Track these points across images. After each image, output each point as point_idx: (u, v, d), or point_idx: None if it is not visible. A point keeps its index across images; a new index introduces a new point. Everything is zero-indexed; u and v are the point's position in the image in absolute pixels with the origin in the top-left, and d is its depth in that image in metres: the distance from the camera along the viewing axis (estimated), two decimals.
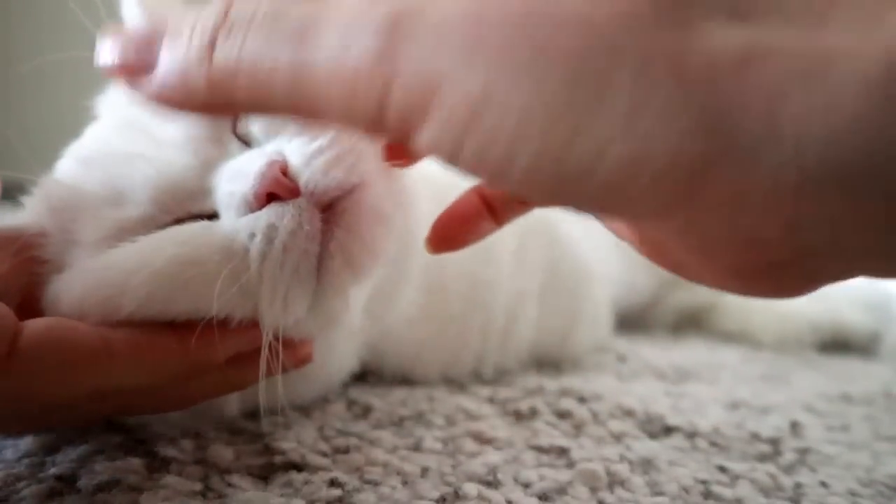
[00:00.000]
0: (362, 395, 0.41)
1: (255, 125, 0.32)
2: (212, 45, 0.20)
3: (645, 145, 0.16)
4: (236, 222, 0.28)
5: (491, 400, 0.43)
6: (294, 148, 0.29)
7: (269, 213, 0.28)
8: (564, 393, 0.45)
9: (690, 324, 0.79)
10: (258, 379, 0.29)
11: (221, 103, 0.20)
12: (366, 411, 0.39)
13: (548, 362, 0.55)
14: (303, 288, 0.29)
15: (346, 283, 0.30)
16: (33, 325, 0.25)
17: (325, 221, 0.28)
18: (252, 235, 0.28)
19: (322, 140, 0.29)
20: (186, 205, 0.30)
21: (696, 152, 0.16)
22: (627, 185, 0.16)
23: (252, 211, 0.28)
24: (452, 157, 0.18)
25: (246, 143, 0.32)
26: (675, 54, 0.16)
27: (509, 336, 0.50)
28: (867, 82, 0.15)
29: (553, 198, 0.18)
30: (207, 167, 0.30)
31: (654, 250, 0.24)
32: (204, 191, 0.30)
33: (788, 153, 0.15)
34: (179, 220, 0.30)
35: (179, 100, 0.20)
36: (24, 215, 0.33)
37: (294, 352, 0.31)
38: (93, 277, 0.29)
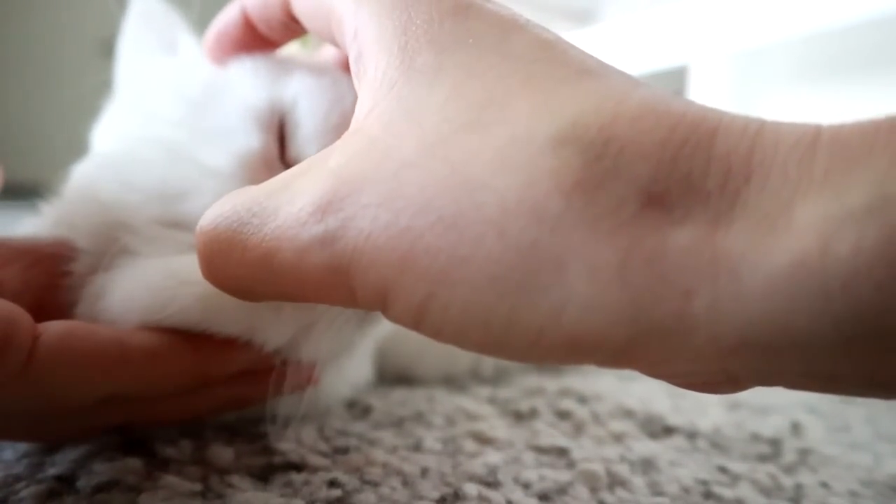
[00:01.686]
0: (362, 395, 0.41)
1: (302, 153, 0.32)
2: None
3: (574, 332, 0.18)
4: None
5: (491, 400, 0.43)
6: None
7: None
8: (564, 393, 0.45)
9: None
10: (264, 398, 0.30)
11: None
12: (366, 411, 0.39)
13: (545, 365, 0.55)
14: (356, 324, 0.30)
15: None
16: (52, 329, 0.25)
17: None
18: None
19: None
20: None
21: (621, 336, 0.17)
22: (566, 357, 0.19)
23: None
24: (415, 330, 0.20)
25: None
26: (587, 252, 0.17)
27: None
28: (774, 285, 0.16)
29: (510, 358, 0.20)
30: None
31: None
32: None
33: (703, 339, 0.17)
34: None
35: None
36: (43, 223, 0.32)
37: (302, 373, 0.31)
38: (148, 277, 0.28)
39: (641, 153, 0.18)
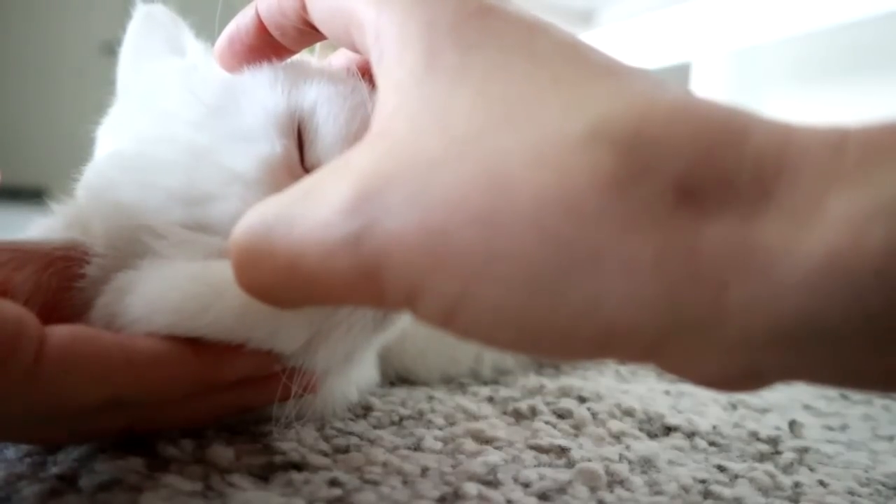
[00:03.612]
0: (363, 394, 0.41)
1: (322, 159, 0.32)
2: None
3: (608, 327, 0.18)
4: None
5: (491, 400, 0.44)
6: None
7: None
8: (564, 393, 0.45)
9: None
10: (270, 402, 0.31)
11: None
12: (366, 411, 0.39)
13: (546, 362, 0.55)
14: (368, 334, 0.31)
15: (406, 322, 0.32)
16: (58, 332, 0.25)
17: None
18: None
19: None
20: None
21: (655, 329, 0.18)
22: (597, 352, 0.19)
23: None
24: (444, 329, 0.20)
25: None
26: (623, 246, 0.17)
27: None
28: (807, 278, 0.16)
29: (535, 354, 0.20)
30: None
31: None
32: None
33: (736, 332, 0.17)
34: None
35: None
36: (55, 224, 0.32)
37: (304, 380, 0.31)
38: (179, 283, 0.29)
39: (675, 149, 0.18)
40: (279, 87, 0.33)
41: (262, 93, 0.33)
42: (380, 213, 0.19)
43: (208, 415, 0.31)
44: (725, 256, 0.17)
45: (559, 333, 0.18)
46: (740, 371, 0.18)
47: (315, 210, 0.21)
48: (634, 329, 0.18)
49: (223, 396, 0.30)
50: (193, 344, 0.28)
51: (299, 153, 0.32)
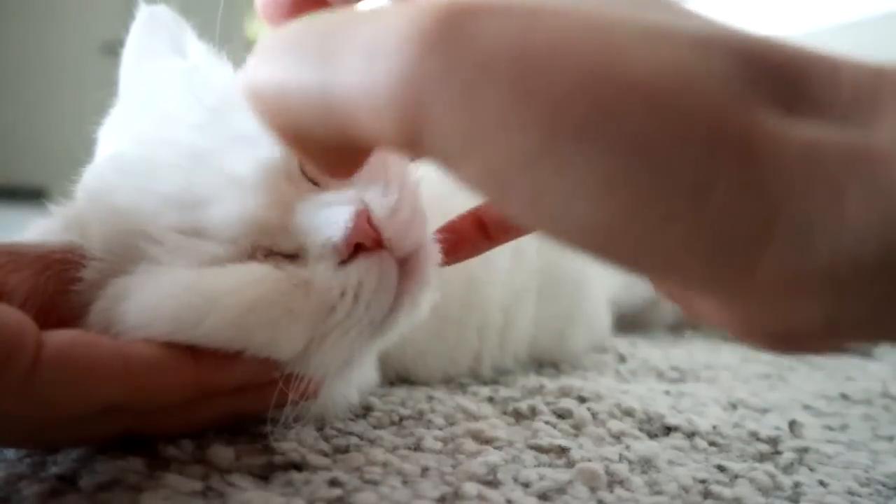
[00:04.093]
0: (362, 394, 0.41)
1: None
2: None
3: (708, 222, 0.16)
4: (330, 280, 0.30)
5: (491, 400, 0.44)
6: (373, 198, 0.30)
7: (358, 269, 0.30)
8: (564, 393, 0.45)
9: (690, 324, 0.79)
10: (266, 408, 0.31)
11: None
12: (366, 411, 0.39)
13: (546, 362, 0.55)
14: (365, 338, 0.31)
15: (405, 327, 0.33)
16: (56, 337, 0.25)
17: (399, 274, 0.31)
18: (343, 294, 0.30)
19: (397, 194, 0.31)
20: (266, 242, 0.31)
21: (756, 231, 0.16)
22: (681, 260, 0.16)
23: (341, 258, 0.30)
24: (496, 199, 0.17)
25: (314, 182, 0.32)
26: (743, 136, 0.16)
27: (507, 335, 0.50)
28: None
29: (593, 254, 0.17)
30: (285, 207, 0.31)
31: (674, 295, 0.23)
32: (285, 229, 0.31)
33: (848, 243, 0.16)
34: (261, 255, 0.31)
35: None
36: (53, 226, 0.32)
37: (305, 385, 0.31)
38: (176, 292, 0.29)
39: (778, 65, 0.17)
40: None
41: None
42: (469, 40, 0.16)
43: (206, 420, 0.31)
44: (842, 160, 0.16)
45: (646, 229, 0.16)
46: (817, 322, 0.17)
47: (371, 35, 0.17)
48: (736, 230, 0.16)
49: (221, 402, 0.30)
50: (192, 351, 0.28)
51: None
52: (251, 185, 0.31)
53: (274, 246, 0.31)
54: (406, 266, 0.31)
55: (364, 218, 0.30)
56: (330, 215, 0.30)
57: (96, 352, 0.26)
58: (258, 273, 0.30)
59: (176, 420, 0.30)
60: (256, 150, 0.31)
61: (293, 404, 0.31)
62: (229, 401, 0.31)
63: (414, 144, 0.17)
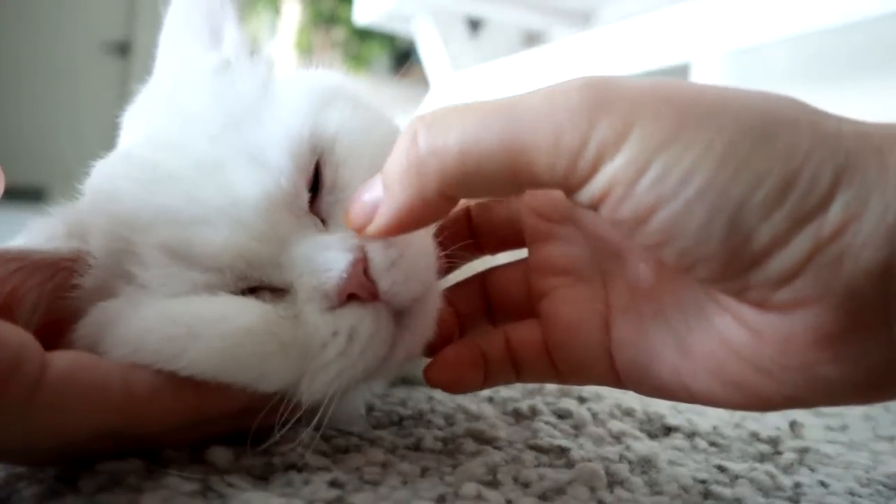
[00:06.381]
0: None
1: (332, 205, 0.32)
2: (414, 141, 0.26)
3: (798, 220, 0.22)
4: (319, 318, 0.29)
5: (491, 400, 0.43)
6: (375, 248, 0.29)
7: (352, 314, 0.29)
8: (564, 393, 0.45)
9: None
10: (268, 425, 0.30)
11: (435, 188, 0.25)
12: (366, 411, 0.39)
13: None
14: (360, 378, 0.30)
15: (396, 372, 0.33)
16: (59, 359, 0.25)
17: (396, 325, 0.30)
18: (335, 334, 0.29)
19: (400, 246, 0.29)
20: (257, 274, 0.30)
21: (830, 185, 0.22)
22: (769, 214, 0.22)
23: (332, 305, 0.29)
24: (628, 189, 0.23)
25: (321, 219, 0.31)
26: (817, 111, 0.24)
27: None
28: None
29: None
30: (282, 241, 0.30)
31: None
32: (276, 264, 0.30)
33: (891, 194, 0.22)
34: (246, 287, 0.30)
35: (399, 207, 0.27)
36: (54, 228, 0.32)
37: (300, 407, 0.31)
38: (158, 325, 0.28)
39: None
40: (305, 106, 0.32)
41: (287, 111, 0.32)
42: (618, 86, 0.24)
43: (202, 438, 0.31)
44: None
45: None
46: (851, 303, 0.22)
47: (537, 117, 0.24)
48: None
49: (224, 423, 0.30)
50: (191, 378, 0.28)
51: (315, 180, 0.31)
52: (250, 212, 0.29)
53: (263, 279, 0.30)
54: (403, 319, 0.30)
55: (360, 268, 0.29)
56: (327, 260, 0.29)
57: (100, 374, 0.26)
58: (243, 304, 0.29)
59: (175, 439, 0.30)
60: (265, 175, 0.30)
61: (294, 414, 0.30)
62: (231, 421, 0.30)
63: (574, 168, 0.24)
